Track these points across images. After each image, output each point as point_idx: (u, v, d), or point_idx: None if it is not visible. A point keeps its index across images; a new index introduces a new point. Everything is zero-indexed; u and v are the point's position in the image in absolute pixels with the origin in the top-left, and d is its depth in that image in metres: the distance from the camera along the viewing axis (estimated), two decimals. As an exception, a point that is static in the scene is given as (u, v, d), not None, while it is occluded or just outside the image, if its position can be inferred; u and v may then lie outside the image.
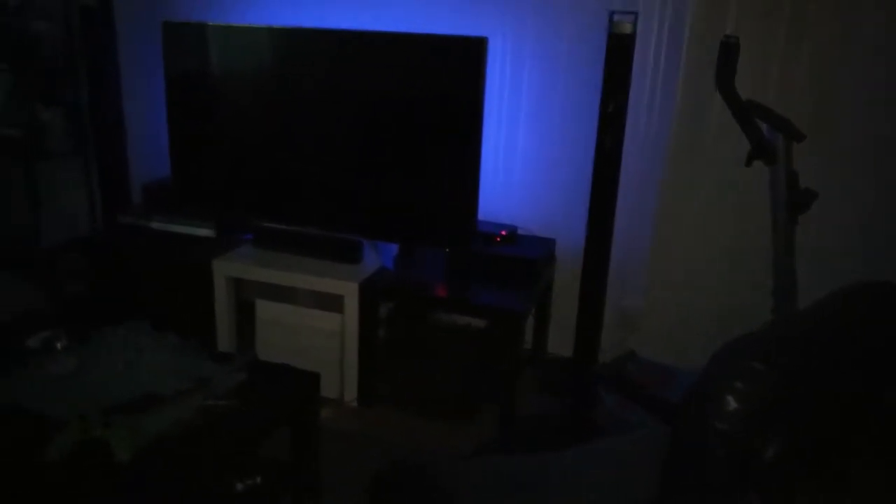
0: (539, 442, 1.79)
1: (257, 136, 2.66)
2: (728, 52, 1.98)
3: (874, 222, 2.41)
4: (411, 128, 2.44)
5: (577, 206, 2.61)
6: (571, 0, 2.54)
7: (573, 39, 2.57)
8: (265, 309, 2.58)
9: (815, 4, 2.30)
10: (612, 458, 1.18)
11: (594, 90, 2.45)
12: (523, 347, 2.65)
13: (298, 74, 2.55)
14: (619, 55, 2.35)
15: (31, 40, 2.91)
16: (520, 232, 2.70)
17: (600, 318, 2.65)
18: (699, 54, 2.44)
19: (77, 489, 1.40)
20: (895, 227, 2.39)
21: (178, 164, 2.76)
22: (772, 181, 2.08)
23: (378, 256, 2.66)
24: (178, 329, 1.91)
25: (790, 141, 2.03)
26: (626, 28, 2.32)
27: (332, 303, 2.49)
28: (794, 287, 2.11)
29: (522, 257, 2.50)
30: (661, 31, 2.49)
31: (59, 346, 1.86)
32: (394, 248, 2.67)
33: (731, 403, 0.80)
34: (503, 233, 2.63)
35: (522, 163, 2.74)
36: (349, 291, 2.43)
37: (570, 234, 2.70)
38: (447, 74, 2.36)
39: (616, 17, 2.32)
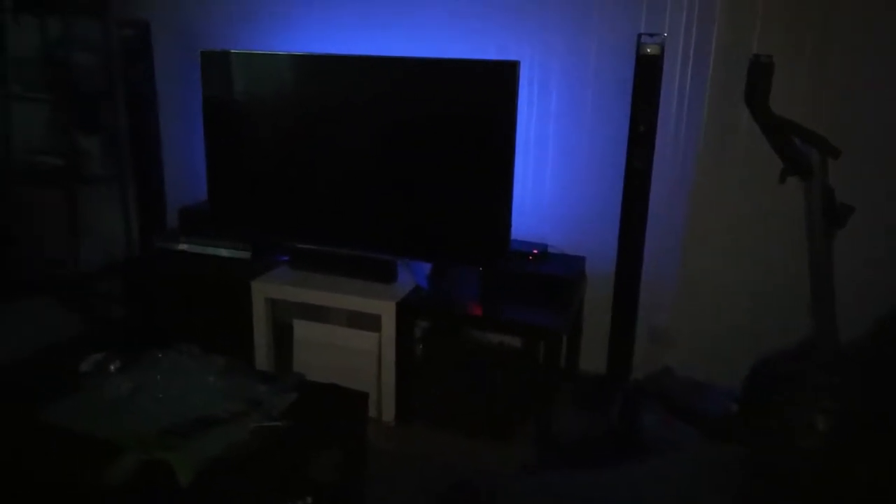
0: (586, 460, 1.81)
1: (293, 160, 2.72)
2: (761, 71, 2.01)
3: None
4: (445, 150, 2.49)
5: (607, 224, 2.65)
6: (599, 22, 2.59)
7: (601, 61, 2.62)
8: (303, 329, 2.63)
9: (842, 17, 2.33)
10: (669, 475, 1.20)
11: (623, 110, 2.49)
12: (559, 365, 2.68)
13: (334, 99, 2.61)
14: (647, 76, 2.39)
15: (71, 70, 3.00)
16: (550, 250, 2.73)
17: (633, 334, 2.67)
18: (726, 72, 2.48)
19: (141, 511, 1.43)
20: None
21: (215, 187, 2.82)
22: (807, 197, 2.11)
23: (412, 275, 2.70)
24: (216, 351, 1.95)
25: (825, 157, 2.06)
26: (655, 49, 2.37)
27: (368, 322, 2.53)
28: (833, 302, 2.13)
29: (557, 275, 2.53)
30: (686, 50, 2.53)
31: (112, 368, 1.90)
32: (426, 267, 2.71)
33: (821, 424, 0.82)
34: (535, 251, 2.66)
35: (552, 182, 2.78)
36: (386, 310, 2.47)
37: (599, 252, 2.73)
38: (480, 97, 2.41)
39: (644, 39, 2.37)
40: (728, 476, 1.13)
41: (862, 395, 1.46)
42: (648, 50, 2.36)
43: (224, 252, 2.84)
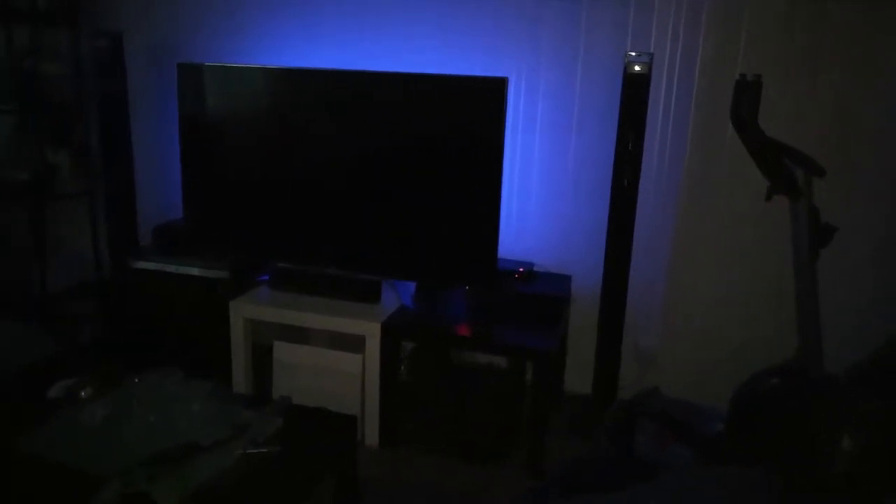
0: (585, 483, 1.77)
1: (273, 176, 2.65)
2: (748, 90, 2.02)
3: (890, 255, 2.46)
4: (431, 167, 2.45)
5: (593, 242, 2.63)
6: (586, 40, 2.59)
7: (588, 78, 2.62)
8: (283, 351, 2.54)
9: (830, 34, 2.35)
10: (683, 496, 1.16)
11: (609, 128, 2.49)
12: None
13: (316, 114, 2.55)
14: (634, 94, 2.39)
15: (40, 81, 2.89)
16: (536, 269, 2.70)
17: (619, 354, 2.65)
18: (711, 90, 2.50)
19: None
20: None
21: (191, 204, 2.74)
22: (793, 217, 2.11)
23: (397, 295, 2.64)
24: (194, 374, 1.87)
25: (811, 176, 2.07)
26: (642, 68, 2.37)
27: (351, 343, 2.46)
28: (818, 320, 2.13)
29: (545, 295, 2.50)
30: (671, 69, 2.55)
31: (83, 394, 1.81)
32: (411, 287, 2.65)
33: (848, 444, 0.79)
34: (521, 270, 2.63)
35: (538, 199, 2.76)
36: (371, 332, 2.40)
37: (585, 271, 2.71)
38: (468, 114, 2.38)
39: (631, 58, 2.37)
40: (748, 496, 1.10)
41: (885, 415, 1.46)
42: (636, 68, 2.36)
43: (201, 271, 2.74)
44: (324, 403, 1.87)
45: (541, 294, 2.50)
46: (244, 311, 2.55)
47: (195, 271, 2.73)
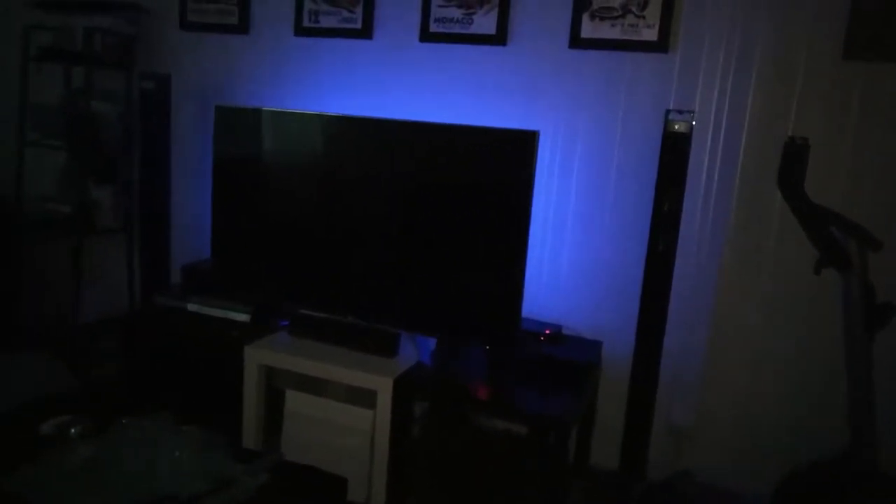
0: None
1: (300, 222, 2.63)
2: (796, 155, 1.88)
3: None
4: (457, 219, 2.38)
5: (626, 308, 2.49)
6: (625, 97, 2.49)
7: (626, 136, 2.51)
8: (294, 400, 2.46)
9: (885, 97, 2.20)
10: None
11: (647, 189, 2.37)
12: (567, 458, 2.46)
13: (346, 162, 2.53)
14: (674, 154, 2.28)
15: (90, 120, 2.98)
16: (564, 331, 2.56)
17: (649, 429, 2.46)
18: (759, 153, 2.35)
19: None
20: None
21: (219, 245, 2.74)
22: (845, 292, 1.93)
23: (416, 350, 2.54)
24: (204, 415, 1.80)
25: (865, 249, 1.89)
26: (683, 127, 2.25)
27: (364, 398, 2.36)
28: (873, 409, 1.92)
29: (569, 360, 2.35)
30: (717, 129, 2.42)
31: (73, 432, 1.76)
32: (431, 342, 2.55)
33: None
34: (548, 332, 2.50)
35: (569, 260, 2.64)
36: (382, 387, 2.30)
37: (617, 337, 2.56)
38: (497, 167, 2.30)
39: (672, 116, 2.26)
40: None
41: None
42: (677, 127, 2.25)
43: (223, 313, 2.71)
44: (333, 459, 1.78)
45: (565, 359, 2.36)
46: (259, 357, 2.49)
47: (216, 312, 2.70)
